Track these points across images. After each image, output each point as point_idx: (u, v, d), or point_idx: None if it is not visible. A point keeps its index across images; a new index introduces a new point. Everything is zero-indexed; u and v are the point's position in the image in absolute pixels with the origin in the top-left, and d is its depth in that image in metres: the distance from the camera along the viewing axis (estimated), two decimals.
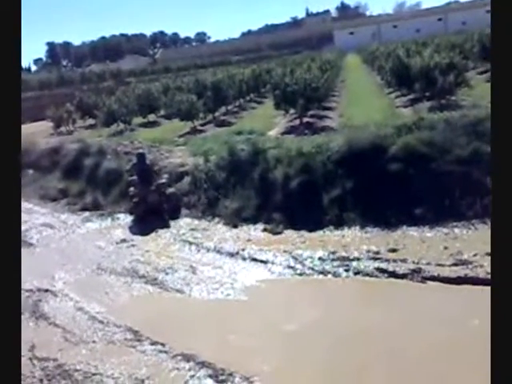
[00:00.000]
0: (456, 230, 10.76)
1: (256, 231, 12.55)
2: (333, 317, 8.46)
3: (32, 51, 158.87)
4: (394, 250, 10.27)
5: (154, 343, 8.27)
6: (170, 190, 14.92)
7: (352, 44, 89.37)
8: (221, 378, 7.19)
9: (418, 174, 12.07)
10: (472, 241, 10.12)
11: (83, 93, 36.50)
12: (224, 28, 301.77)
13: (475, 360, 6.57)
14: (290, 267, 10.41)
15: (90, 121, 31.39)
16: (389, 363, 7.03)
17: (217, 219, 13.65)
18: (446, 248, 10.03)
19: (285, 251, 11.05)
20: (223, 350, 7.90)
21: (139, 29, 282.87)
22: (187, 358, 7.74)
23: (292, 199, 12.91)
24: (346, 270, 9.90)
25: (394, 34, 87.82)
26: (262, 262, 10.87)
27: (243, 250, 11.51)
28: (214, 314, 9.09)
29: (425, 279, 9.17)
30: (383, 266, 9.77)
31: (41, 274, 11.63)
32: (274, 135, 18.09)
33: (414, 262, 9.66)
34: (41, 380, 7.79)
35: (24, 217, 15.66)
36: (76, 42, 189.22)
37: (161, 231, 13.53)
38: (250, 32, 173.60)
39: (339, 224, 11.90)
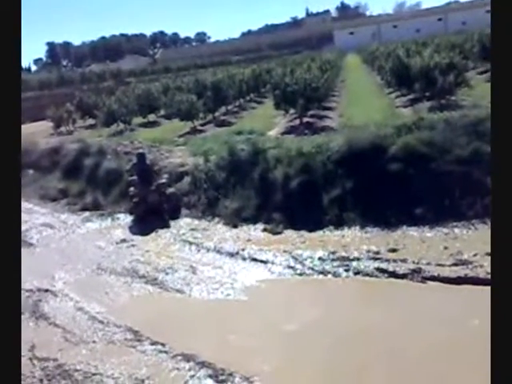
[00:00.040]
0: (456, 230, 10.76)
1: (256, 231, 12.55)
2: (333, 317, 8.47)
3: (32, 51, 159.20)
4: (394, 250, 10.27)
5: (154, 343, 8.27)
6: (170, 190, 14.92)
7: (352, 44, 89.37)
8: (221, 378, 7.19)
9: (417, 173, 12.07)
10: (472, 241, 10.12)
11: (83, 93, 36.50)
12: (224, 28, 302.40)
13: (475, 360, 6.56)
14: (289, 267, 10.41)
15: (90, 121, 31.38)
16: (389, 363, 7.03)
17: (217, 219, 13.65)
18: (446, 248, 10.03)
19: (285, 251, 11.05)
20: (223, 350, 7.90)
21: (139, 29, 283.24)
22: (187, 358, 7.74)
23: (292, 199, 12.91)
24: (346, 270, 9.90)
25: (394, 34, 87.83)
26: (261, 261, 10.87)
27: (243, 249, 11.51)
28: (214, 314, 9.09)
29: (425, 279, 9.17)
30: (383, 265, 9.77)
31: (41, 274, 11.63)
32: (273, 135, 18.09)
33: (414, 262, 9.66)
34: (41, 380, 7.79)
35: (24, 217, 15.66)
36: (76, 42, 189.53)
37: (161, 231, 13.53)
38: (249, 32, 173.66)
39: (339, 224, 11.90)
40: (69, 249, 13.35)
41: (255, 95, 34.92)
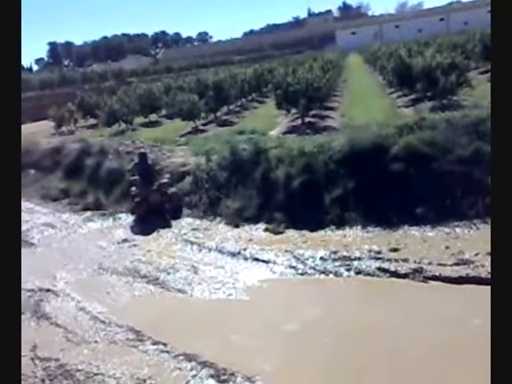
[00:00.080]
0: (457, 230, 10.75)
1: (258, 231, 12.54)
2: (334, 316, 8.46)
3: (34, 51, 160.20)
4: (395, 250, 10.26)
5: (155, 343, 8.27)
6: (172, 189, 14.92)
7: (354, 44, 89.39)
8: (223, 377, 7.18)
9: (419, 173, 12.06)
10: (473, 240, 10.11)
11: (85, 92, 36.54)
12: (226, 28, 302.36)
13: (476, 360, 6.55)
14: (291, 267, 10.41)
15: (92, 120, 31.41)
16: (390, 363, 7.02)
17: (218, 219, 13.65)
18: (447, 247, 10.02)
19: (286, 251, 11.05)
20: (225, 350, 7.90)
21: (141, 29, 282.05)
22: (189, 357, 7.73)
23: (294, 199, 12.90)
24: (348, 270, 9.89)
25: (396, 34, 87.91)
26: (263, 261, 10.87)
27: (245, 249, 11.51)
28: (215, 314, 9.09)
29: (426, 279, 9.16)
30: (385, 265, 9.76)
31: (42, 274, 11.63)
32: (275, 135, 18.09)
33: (415, 262, 9.65)
34: (42, 380, 7.79)
35: (25, 217, 15.69)
36: (78, 41, 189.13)
37: (162, 231, 13.53)
38: (252, 32, 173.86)
39: (341, 224, 11.89)
40: (70, 248, 13.36)
41: (257, 95, 34.95)
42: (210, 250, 11.91)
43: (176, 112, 24.15)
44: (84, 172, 18.69)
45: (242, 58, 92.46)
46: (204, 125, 23.95)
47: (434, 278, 9.13)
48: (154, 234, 13.42)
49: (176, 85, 34.60)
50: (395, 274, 9.47)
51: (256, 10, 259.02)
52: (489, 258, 8.89)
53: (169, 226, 13.80)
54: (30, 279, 11.09)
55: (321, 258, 10.46)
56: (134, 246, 12.83)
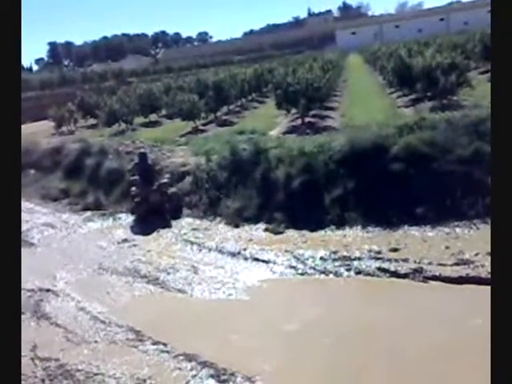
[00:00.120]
0: (457, 230, 10.75)
1: (258, 231, 12.54)
2: (334, 316, 8.46)
3: (34, 51, 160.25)
4: (395, 250, 10.27)
5: (155, 343, 8.27)
6: (172, 189, 14.92)
7: (354, 44, 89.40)
8: (222, 377, 7.18)
9: (419, 173, 12.06)
10: (473, 240, 10.11)
11: (85, 92, 36.55)
12: (226, 28, 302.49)
13: (476, 360, 6.55)
14: (291, 267, 10.41)
15: (92, 120, 31.41)
16: (390, 363, 7.02)
17: (218, 219, 13.65)
18: (447, 247, 10.02)
19: (286, 251, 11.05)
20: (225, 350, 7.90)
21: (141, 29, 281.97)
22: (189, 357, 7.73)
23: (294, 199, 12.90)
24: (348, 270, 9.89)
25: (396, 34, 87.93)
26: (263, 261, 10.87)
27: (245, 249, 11.51)
28: (215, 314, 9.10)
29: (426, 279, 9.17)
30: (385, 265, 9.76)
31: (42, 274, 11.64)
32: (275, 135, 18.09)
33: (415, 262, 9.65)
34: (42, 380, 7.79)
35: (25, 217, 15.69)
36: (78, 41, 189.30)
37: (162, 231, 13.53)
38: (252, 32, 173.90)
39: (341, 224, 11.89)
40: (70, 248, 13.36)
41: (257, 95, 34.97)
42: (209, 249, 11.91)
43: (176, 112, 24.16)
44: (84, 172, 18.69)
45: (242, 58, 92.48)
46: (204, 125, 23.95)
47: (434, 277, 9.13)
48: (154, 234, 13.42)
49: (176, 85, 34.61)
50: (395, 274, 9.48)
51: (256, 10, 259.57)
52: (489, 257, 8.89)
53: (169, 225, 13.80)
54: (29, 279, 11.10)
55: (321, 258, 10.47)
56: (134, 245, 12.83)
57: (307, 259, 10.54)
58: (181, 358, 7.78)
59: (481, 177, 11.26)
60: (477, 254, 9.40)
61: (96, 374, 7.69)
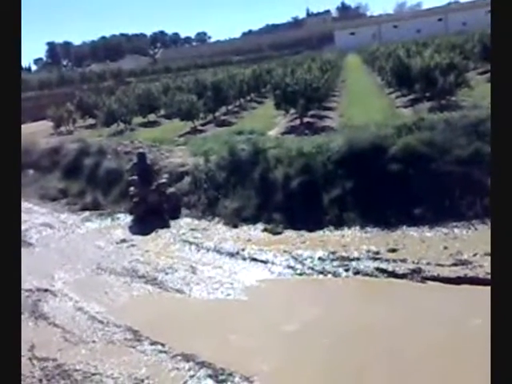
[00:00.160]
0: (456, 230, 10.76)
1: (256, 231, 12.54)
2: (332, 316, 8.46)
3: (32, 51, 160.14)
4: (393, 250, 10.27)
5: (153, 343, 8.26)
6: (170, 189, 14.91)
7: (352, 44, 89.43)
8: (220, 377, 7.18)
9: (417, 174, 12.07)
10: (472, 241, 10.12)
11: (83, 92, 36.53)
12: (225, 28, 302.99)
13: (475, 360, 6.56)
14: (289, 267, 10.41)
15: (90, 120, 31.41)
16: (389, 363, 7.02)
17: (217, 219, 13.65)
18: (445, 248, 10.03)
19: (285, 251, 11.05)
20: (223, 350, 7.90)
21: (139, 29, 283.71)
22: (187, 357, 7.73)
23: (292, 199, 12.90)
24: (346, 270, 9.90)
25: (395, 35, 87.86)
26: (262, 261, 10.87)
27: (243, 249, 11.51)
28: (213, 314, 9.09)
29: (424, 279, 9.17)
30: (383, 265, 9.77)
31: (40, 274, 11.62)
32: (274, 135, 18.10)
33: (413, 262, 9.66)
34: (40, 380, 7.77)
35: (24, 216, 15.64)
36: (76, 41, 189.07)
37: (161, 231, 13.52)
38: (250, 32, 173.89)
39: (339, 224, 11.89)
40: (68, 248, 13.35)
41: (256, 95, 34.98)
42: (208, 250, 11.91)
43: (175, 112, 24.18)
44: (82, 172, 18.67)
45: (241, 58, 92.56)
46: (203, 125, 23.97)
47: (433, 278, 9.13)
48: (153, 234, 13.41)
49: (175, 85, 34.63)
50: (393, 275, 9.48)
51: (255, 10, 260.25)
52: (487, 258, 8.91)
53: (167, 226, 13.79)
54: (27, 279, 11.07)
55: (319, 259, 10.47)
56: (133, 246, 12.82)
57: (306, 259, 10.55)
58: (179, 358, 7.77)
59: (479, 177, 11.27)
60: (475, 255, 9.41)
61: (94, 374, 7.68)
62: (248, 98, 33.32)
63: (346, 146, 13.18)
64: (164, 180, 14.93)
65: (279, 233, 12.16)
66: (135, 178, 14.89)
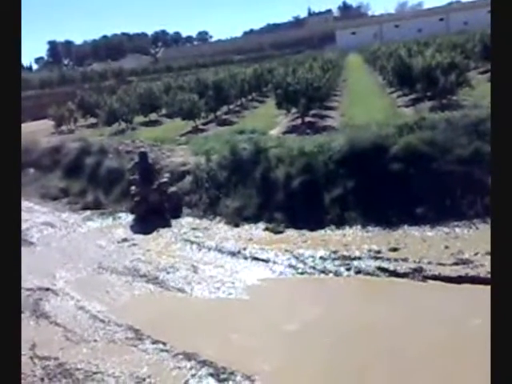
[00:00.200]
0: (457, 230, 10.75)
1: (257, 230, 12.54)
2: (334, 316, 8.46)
3: (33, 50, 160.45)
4: (395, 249, 10.27)
5: (155, 342, 8.27)
6: (172, 189, 14.91)
7: (354, 44, 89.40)
8: (222, 376, 7.19)
9: (419, 173, 12.06)
10: (473, 240, 10.11)
11: (85, 92, 36.60)
12: (226, 27, 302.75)
13: (476, 359, 6.56)
14: (291, 266, 10.41)
15: (92, 120, 31.43)
16: (390, 362, 7.02)
17: (218, 218, 13.65)
18: (446, 247, 10.03)
19: (286, 250, 11.05)
20: (224, 349, 7.90)
21: (141, 28, 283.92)
22: (188, 356, 7.73)
23: (293, 198, 12.90)
24: (348, 269, 9.89)
25: (396, 34, 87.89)
26: (263, 261, 10.87)
27: (245, 249, 11.51)
28: (215, 313, 9.09)
29: (426, 278, 9.17)
30: (384, 265, 9.77)
31: (42, 273, 11.63)
32: (275, 134, 18.09)
33: (415, 261, 9.66)
34: (42, 379, 7.78)
35: (25, 216, 15.68)
36: (77, 40, 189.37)
37: (162, 230, 13.52)
38: (252, 31, 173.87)
39: (341, 223, 11.89)
40: (70, 248, 13.35)
41: (257, 94, 34.98)
42: (209, 249, 11.91)
43: (176, 111, 24.18)
44: (84, 171, 18.69)
45: (242, 57, 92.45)
46: (204, 124, 23.97)
47: (434, 277, 9.13)
48: (154, 234, 13.41)
49: (176, 84, 34.65)
50: (395, 274, 9.48)
51: (256, 9, 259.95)
52: (488, 257, 8.90)
53: (168, 225, 13.79)
54: (29, 278, 11.09)
55: (320, 258, 10.47)
56: (134, 245, 12.82)
57: (307, 258, 10.55)
58: (180, 356, 7.78)
59: (480, 177, 11.27)
60: (476, 254, 9.41)
61: (95, 373, 7.69)
62: (249, 97, 33.33)
63: (348, 146, 13.17)
64: (165, 179, 14.93)
65: (281, 232, 12.16)
66: (136, 177, 14.90)
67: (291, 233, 12.02)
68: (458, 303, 8.24)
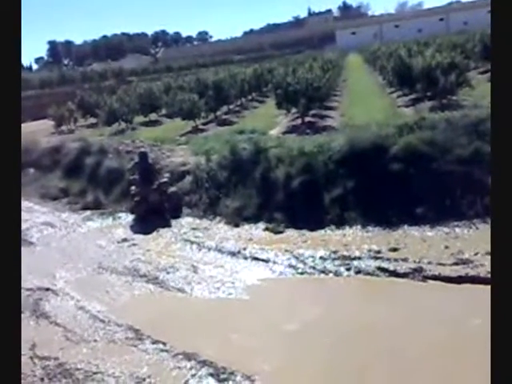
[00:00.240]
0: (457, 230, 10.75)
1: (257, 230, 12.54)
2: (334, 316, 8.46)
3: (33, 50, 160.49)
4: (395, 250, 10.27)
5: (155, 342, 8.27)
6: (172, 189, 14.91)
7: (354, 44, 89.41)
8: (222, 376, 7.18)
9: (419, 173, 12.06)
10: (473, 240, 10.11)
11: (84, 92, 36.61)
12: (226, 27, 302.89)
13: (476, 359, 6.56)
14: (291, 266, 10.41)
15: (92, 120, 31.44)
16: (390, 362, 7.02)
17: (218, 218, 13.64)
18: (446, 247, 10.03)
19: (286, 250, 11.05)
20: (224, 349, 7.90)
21: (141, 28, 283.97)
22: (188, 356, 7.73)
23: (293, 198, 12.89)
24: (348, 269, 9.89)
25: (396, 34, 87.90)
26: (263, 261, 10.87)
27: (244, 249, 11.51)
28: (215, 313, 9.09)
29: (426, 278, 9.17)
30: (384, 265, 9.76)
31: (41, 273, 11.63)
32: (275, 134, 18.09)
33: (415, 261, 9.66)
34: (42, 379, 7.78)
35: (25, 216, 15.68)
36: (77, 40, 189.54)
37: (162, 230, 13.52)
38: (252, 31, 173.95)
39: (340, 223, 11.89)
40: (70, 248, 13.35)
41: (257, 94, 34.98)
42: (209, 249, 11.91)
43: (176, 111, 24.17)
44: (84, 171, 18.68)
45: (242, 57, 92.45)
46: (204, 124, 23.98)
47: (434, 277, 9.13)
48: (154, 234, 13.41)
49: (176, 84, 34.67)
50: (395, 274, 9.48)
51: (256, 9, 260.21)
52: (488, 257, 8.90)
53: (168, 225, 13.79)
54: (29, 278, 11.09)
55: (320, 258, 10.47)
56: (134, 245, 12.82)
57: (307, 258, 10.55)
58: (180, 356, 7.78)
59: (480, 177, 11.26)
60: (476, 254, 9.41)
61: (95, 373, 7.69)
62: (249, 97, 33.33)
63: (348, 146, 13.17)
64: (165, 179, 14.92)
65: (280, 232, 12.16)
66: (136, 177, 14.90)
67: (291, 233, 12.02)
68: (458, 303, 8.24)
